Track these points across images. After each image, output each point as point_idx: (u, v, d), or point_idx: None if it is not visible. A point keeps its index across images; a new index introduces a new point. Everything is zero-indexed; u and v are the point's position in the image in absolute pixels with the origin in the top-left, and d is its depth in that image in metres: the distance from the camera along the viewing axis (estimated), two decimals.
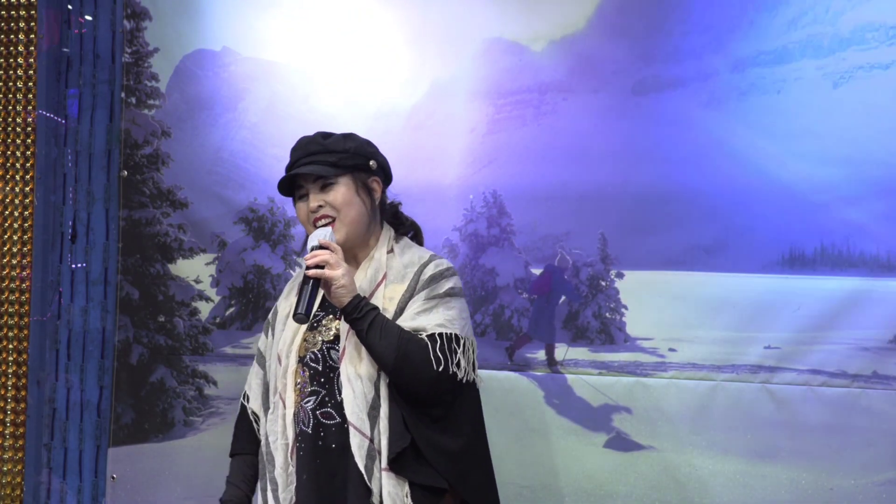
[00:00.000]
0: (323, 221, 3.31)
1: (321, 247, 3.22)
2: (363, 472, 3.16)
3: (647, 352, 4.89)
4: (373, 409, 3.19)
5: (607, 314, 4.98)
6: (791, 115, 4.77)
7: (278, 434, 3.33)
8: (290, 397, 3.31)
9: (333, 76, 5.39)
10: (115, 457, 5.56)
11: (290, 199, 5.35)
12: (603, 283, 4.99)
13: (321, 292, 3.24)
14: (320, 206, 3.32)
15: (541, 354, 5.04)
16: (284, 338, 3.38)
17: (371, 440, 3.17)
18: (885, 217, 4.61)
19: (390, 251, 3.39)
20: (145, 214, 5.56)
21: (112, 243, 5.60)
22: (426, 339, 3.19)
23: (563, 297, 5.04)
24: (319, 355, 3.30)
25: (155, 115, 5.58)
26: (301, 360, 3.32)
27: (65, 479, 5.61)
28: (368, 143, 3.43)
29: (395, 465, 3.17)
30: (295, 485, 3.29)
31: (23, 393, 5.58)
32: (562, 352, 5.01)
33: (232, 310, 5.53)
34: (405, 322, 3.23)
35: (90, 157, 5.60)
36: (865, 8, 4.69)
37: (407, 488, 3.18)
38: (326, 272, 3.17)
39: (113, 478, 5.54)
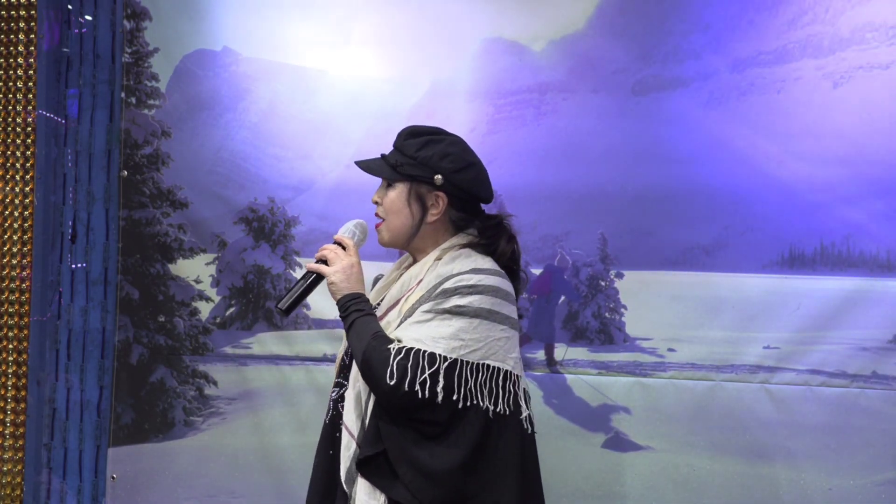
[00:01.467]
0: (376, 220, 3.27)
1: (338, 241, 3.22)
2: (342, 473, 3.12)
3: (646, 352, 4.89)
4: (364, 412, 3.15)
5: (607, 314, 4.98)
6: (791, 115, 4.77)
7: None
8: (332, 382, 3.34)
9: (333, 76, 5.39)
10: (115, 457, 5.56)
11: (289, 200, 5.43)
12: (602, 283, 4.99)
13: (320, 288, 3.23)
14: (377, 203, 3.28)
15: (540, 354, 5.03)
16: None
17: (359, 444, 3.13)
18: (885, 217, 4.61)
19: (438, 258, 3.24)
20: (145, 214, 5.56)
21: (112, 243, 5.60)
22: (392, 350, 3.04)
23: (563, 297, 5.04)
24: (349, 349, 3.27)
25: (155, 115, 5.58)
26: (345, 350, 3.31)
27: (65, 479, 5.61)
28: (447, 157, 3.23)
29: (367, 472, 3.07)
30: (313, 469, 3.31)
31: (23, 393, 5.58)
32: (561, 352, 5.01)
33: (232, 310, 5.53)
34: (397, 330, 3.11)
35: (90, 157, 5.61)
36: (865, 8, 4.69)
37: (383, 500, 3.06)
38: (322, 268, 3.17)
39: (113, 478, 5.54)
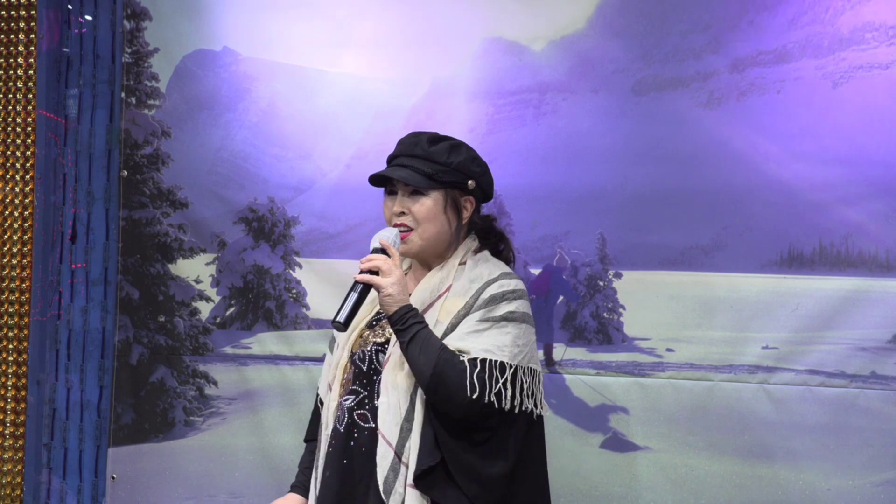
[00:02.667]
0: (401, 230, 3.20)
1: (382, 248, 3.13)
2: (381, 483, 3.09)
3: (644, 352, 4.89)
4: (406, 421, 3.09)
5: (605, 314, 4.98)
6: (791, 115, 4.76)
7: (325, 424, 3.29)
8: (336, 391, 3.25)
9: (333, 76, 5.39)
10: (115, 457, 5.56)
11: (289, 200, 5.43)
12: (601, 283, 4.99)
13: (372, 298, 3.16)
14: (403, 213, 3.20)
15: (539, 354, 5.01)
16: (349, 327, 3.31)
17: (398, 454, 3.11)
18: (884, 217, 4.61)
19: (462, 263, 3.24)
20: (145, 214, 5.56)
21: (112, 243, 5.60)
22: (467, 362, 3.03)
23: (562, 297, 5.04)
24: (367, 356, 3.20)
25: (155, 115, 5.58)
26: (352, 356, 3.25)
27: (65, 479, 5.61)
28: (474, 161, 3.26)
29: (422, 484, 3.05)
30: (321, 479, 3.27)
31: (23, 393, 5.58)
32: (560, 352, 5.01)
33: (232, 310, 5.53)
34: (453, 340, 3.08)
35: (90, 157, 5.61)
36: (865, 8, 4.69)
37: None
38: (375, 280, 3.06)
39: (113, 478, 5.54)
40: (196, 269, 5.55)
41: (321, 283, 5.39)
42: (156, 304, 5.57)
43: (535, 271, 5.06)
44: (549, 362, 5.01)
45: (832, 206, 4.67)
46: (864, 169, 4.64)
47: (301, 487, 3.42)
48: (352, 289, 3.10)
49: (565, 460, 4.92)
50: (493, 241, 3.33)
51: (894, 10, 4.66)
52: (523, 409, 3.10)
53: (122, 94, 5.56)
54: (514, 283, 3.17)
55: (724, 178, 4.82)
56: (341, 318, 3.06)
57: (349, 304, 3.08)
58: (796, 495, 4.65)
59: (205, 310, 5.54)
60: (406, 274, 3.30)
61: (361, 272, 3.09)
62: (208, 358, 5.52)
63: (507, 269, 3.24)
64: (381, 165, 3.30)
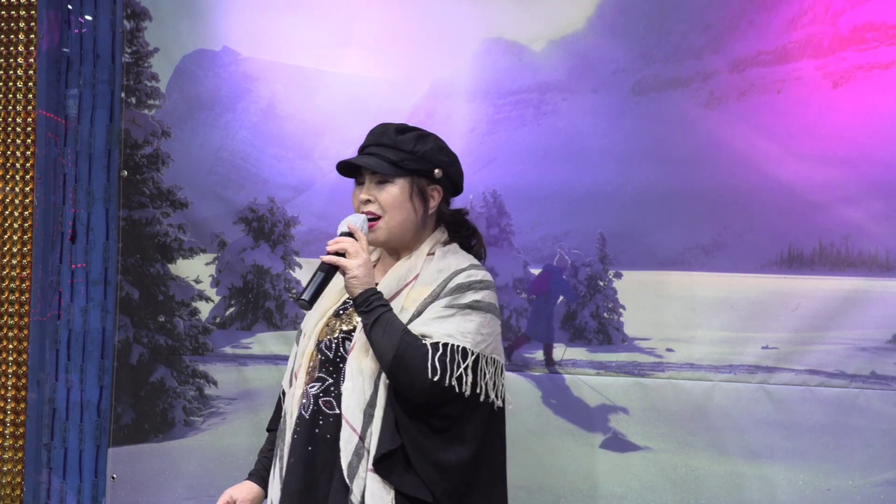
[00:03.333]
0: (368, 218, 3.22)
1: (349, 233, 3.16)
2: (345, 468, 3.13)
3: (644, 352, 4.89)
4: (369, 406, 3.13)
5: (605, 314, 4.98)
6: (791, 115, 4.76)
7: (289, 413, 3.31)
8: (301, 378, 3.28)
9: (333, 76, 5.39)
10: (115, 457, 5.56)
11: (289, 200, 5.43)
12: (601, 283, 4.99)
13: (338, 281, 3.19)
14: (369, 201, 3.23)
15: (539, 354, 5.03)
16: (313, 317, 3.34)
17: (361, 438, 3.14)
18: (884, 217, 4.61)
19: (430, 253, 3.28)
20: (145, 214, 5.56)
21: (112, 243, 5.60)
22: (429, 345, 3.07)
23: (562, 297, 5.04)
24: (333, 343, 3.23)
25: (155, 115, 5.58)
26: (318, 344, 3.28)
27: (65, 479, 5.61)
28: (441, 150, 3.30)
29: (382, 468, 3.08)
30: (286, 467, 3.29)
31: (23, 393, 5.59)
32: (560, 352, 5.01)
33: (232, 310, 5.54)
34: (417, 326, 3.12)
35: (90, 157, 5.61)
36: (865, 8, 4.69)
37: (393, 494, 3.08)
38: (341, 261, 3.09)
39: (113, 478, 5.54)
40: (196, 269, 5.56)
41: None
42: (156, 304, 5.57)
43: (535, 271, 5.07)
44: (549, 362, 5.01)
45: (832, 206, 4.67)
46: (864, 169, 4.64)
47: (257, 476, 3.46)
48: (318, 269, 3.13)
49: (565, 460, 4.92)
50: (465, 235, 3.37)
51: (894, 10, 4.66)
52: (485, 398, 3.13)
53: (122, 94, 5.57)
54: (482, 274, 3.21)
55: (724, 178, 4.82)
56: (306, 296, 3.10)
57: (314, 284, 3.11)
58: (796, 495, 4.65)
59: (205, 310, 5.54)
60: (375, 265, 3.33)
61: (328, 253, 3.12)
62: (208, 358, 5.52)
63: (475, 261, 3.28)
64: None
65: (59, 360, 5.63)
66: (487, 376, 3.14)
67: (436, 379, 3.04)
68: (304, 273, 5.43)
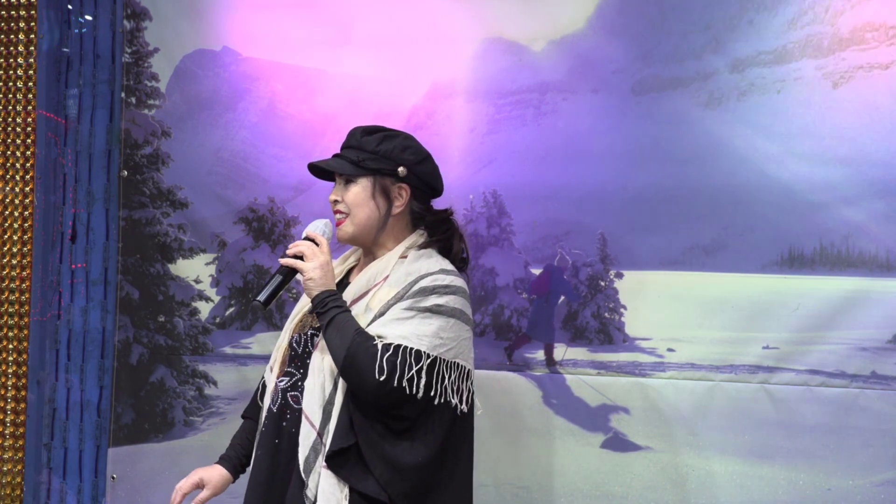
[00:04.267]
0: (338, 216, 3.33)
1: (310, 238, 3.25)
2: (301, 462, 3.16)
3: (645, 352, 4.89)
4: (328, 403, 3.17)
5: (606, 314, 4.98)
6: (791, 115, 4.76)
7: (264, 406, 3.39)
8: (275, 372, 3.36)
9: (333, 76, 5.39)
10: (115, 457, 5.56)
11: (289, 200, 5.42)
12: (602, 283, 4.99)
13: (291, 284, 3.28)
14: (337, 201, 3.34)
15: (539, 354, 5.03)
16: (293, 312, 3.43)
17: (319, 434, 3.16)
18: (885, 217, 4.61)
19: (403, 256, 3.33)
20: (145, 214, 5.56)
21: (112, 243, 5.60)
22: (380, 346, 3.10)
23: (563, 297, 5.04)
24: (303, 339, 3.31)
25: (155, 115, 5.58)
26: (290, 340, 3.35)
27: (65, 479, 5.61)
28: (407, 149, 3.36)
29: (334, 465, 3.11)
30: (254, 458, 3.35)
31: (23, 393, 5.58)
32: (560, 352, 5.01)
33: (232, 310, 5.54)
34: (375, 327, 3.16)
35: (90, 157, 5.61)
36: (865, 8, 4.69)
37: (346, 492, 3.12)
38: (298, 263, 3.19)
39: (113, 478, 5.55)
40: (196, 269, 5.56)
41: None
42: (156, 304, 5.57)
43: (536, 271, 5.07)
44: (549, 362, 5.01)
45: (832, 206, 4.67)
46: (864, 169, 4.64)
47: (227, 461, 3.53)
48: (276, 272, 3.22)
49: (566, 460, 4.93)
50: (445, 236, 3.41)
51: (894, 10, 4.66)
52: (444, 402, 3.17)
53: (122, 94, 5.57)
54: (450, 279, 3.25)
55: (724, 178, 4.82)
56: (261, 297, 3.18)
57: (271, 286, 3.20)
58: (797, 495, 4.65)
59: (204, 310, 5.55)
60: (354, 267, 3.44)
61: (286, 256, 3.22)
62: (208, 358, 5.52)
63: (449, 266, 3.31)
64: None
65: (59, 360, 5.63)
66: (447, 381, 3.17)
67: (382, 379, 3.07)
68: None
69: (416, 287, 3.21)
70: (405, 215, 3.39)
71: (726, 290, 4.82)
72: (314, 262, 3.20)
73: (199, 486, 3.50)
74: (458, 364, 3.21)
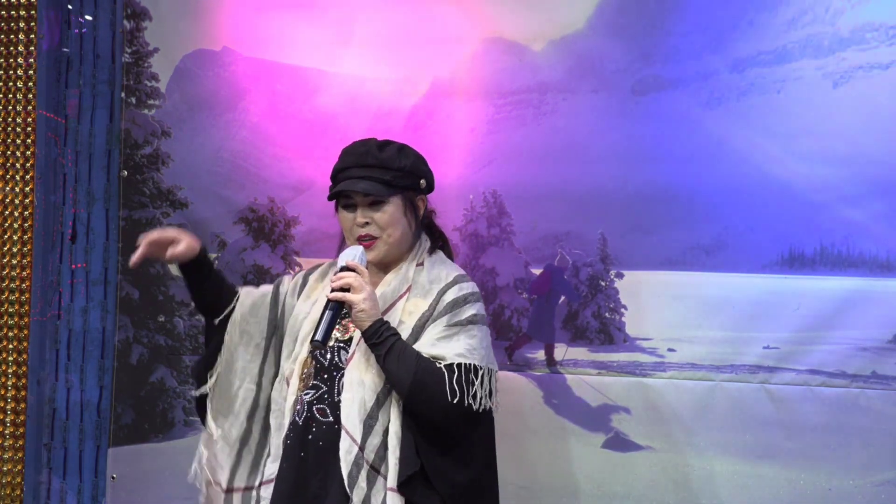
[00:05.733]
0: (365, 240, 3.30)
1: (348, 268, 3.22)
2: (345, 477, 3.16)
3: (646, 352, 4.89)
4: (370, 418, 3.19)
5: (606, 314, 4.98)
6: (791, 115, 4.77)
7: (282, 413, 3.37)
8: (294, 384, 3.34)
9: (333, 76, 5.39)
10: (115, 457, 5.56)
11: (289, 200, 5.42)
12: (602, 283, 4.99)
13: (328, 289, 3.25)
14: (367, 223, 3.30)
15: (540, 354, 5.03)
16: (306, 321, 3.40)
17: (361, 448, 3.17)
18: (885, 217, 4.61)
19: (420, 264, 3.36)
20: (145, 214, 5.56)
21: (112, 243, 5.60)
22: (444, 368, 3.15)
23: (563, 297, 5.04)
24: (329, 351, 3.30)
25: (155, 115, 5.58)
26: (312, 352, 3.33)
27: (65, 479, 5.61)
28: (421, 160, 3.40)
29: (406, 489, 3.16)
30: (277, 471, 3.33)
31: (23, 393, 5.58)
32: (561, 352, 5.01)
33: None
34: (424, 348, 3.19)
35: (90, 157, 5.60)
36: (865, 8, 4.69)
37: None
38: (348, 296, 3.16)
39: (113, 478, 5.54)
40: None
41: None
42: (156, 304, 5.57)
43: (537, 271, 5.07)
44: (550, 362, 5.01)
45: (832, 206, 4.68)
46: (864, 169, 4.65)
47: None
48: (326, 307, 3.19)
49: (567, 460, 4.93)
50: (436, 238, 3.48)
51: (894, 10, 4.66)
52: (486, 408, 3.23)
53: (122, 94, 5.56)
54: (471, 286, 3.31)
55: (724, 178, 4.82)
56: (318, 336, 3.15)
57: (325, 323, 3.17)
58: (797, 495, 4.65)
59: None
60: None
61: (333, 290, 3.17)
62: None
63: (461, 270, 3.37)
64: None
65: (59, 360, 5.62)
66: (490, 387, 3.24)
67: (455, 401, 3.13)
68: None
69: (445, 301, 3.25)
70: (420, 225, 3.43)
71: (726, 290, 4.82)
72: (363, 294, 3.16)
73: (172, 240, 3.53)
74: (490, 369, 3.26)
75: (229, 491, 3.50)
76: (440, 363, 3.17)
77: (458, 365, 3.16)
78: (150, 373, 5.56)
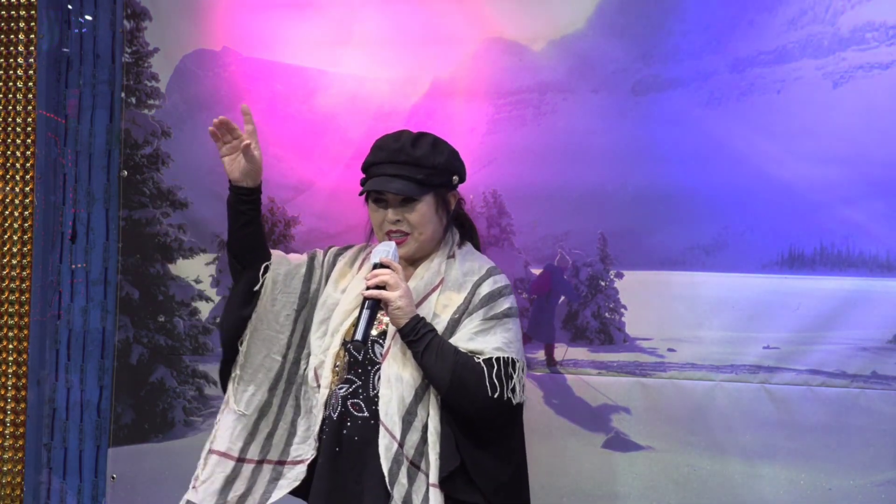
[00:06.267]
0: (395, 236, 3.30)
1: (382, 265, 3.21)
2: (386, 475, 3.15)
3: (646, 352, 4.89)
4: (409, 414, 3.18)
5: (606, 314, 4.98)
6: (791, 115, 4.76)
7: (318, 407, 3.36)
8: (327, 377, 3.32)
9: (333, 76, 5.39)
10: (115, 457, 5.56)
11: (289, 200, 5.42)
12: (602, 283, 4.99)
13: (359, 283, 3.27)
14: (398, 220, 3.30)
15: (540, 354, 5.03)
16: (337, 312, 3.37)
17: (400, 444, 3.16)
18: (885, 217, 4.61)
19: (451, 256, 3.36)
20: (145, 214, 5.56)
21: (112, 243, 5.60)
22: (483, 363, 3.16)
23: (563, 297, 5.04)
24: (363, 346, 3.29)
25: (155, 115, 5.58)
26: (344, 344, 3.31)
27: (65, 479, 5.61)
28: (454, 154, 3.39)
29: (447, 485, 3.17)
30: (307, 463, 3.34)
31: (23, 393, 5.58)
32: (561, 352, 5.01)
33: None
34: (462, 342, 3.20)
35: (90, 157, 5.61)
36: (865, 8, 4.69)
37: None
38: (384, 293, 3.16)
39: (113, 478, 5.54)
40: (196, 269, 5.55)
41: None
42: (156, 304, 5.57)
43: (536, 271, 5.06)
44: (550, 362, 5.01)
45: (832, 206, 4.67)
46: (864, 169, 4.64)
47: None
48: (363, 306, 3.18)
49: (567, 460, 4.92)
50: (467, 229, 3.48)
51: (894, 10, 4.66)
52: (519, 403, 3.26)
53: (122, 94, 5.56)
54: (503, 279, 3.32)
55: (724, 178, 4.82)
56: (358, 336, 3.15)
57: (364, 322, 3.16)
58: (797, 495, 4.65)
59: (205, 310, 5.54)
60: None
61: (368, 288, 3.16)
62: (208, 358, 5.52)
63: (491, 262, 3.38)
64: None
65: (59, 360, 5.63)
66: (523, 379, 3.27)
67: (495, 395, 3.15)
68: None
69: (480, 295, 3.26)
70: (451, 221, 3.43)
71: (727, 290, 4.81)
72: (399, 291, 3.16)
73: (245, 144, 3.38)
74: (524, 362, 3.29)
75: (240, 461, 3.44)
76: (478, 358, 3.17)
77: (497, 359, 3.17)
78: (150, 373, 5.56)
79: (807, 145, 4.72)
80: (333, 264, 3.49)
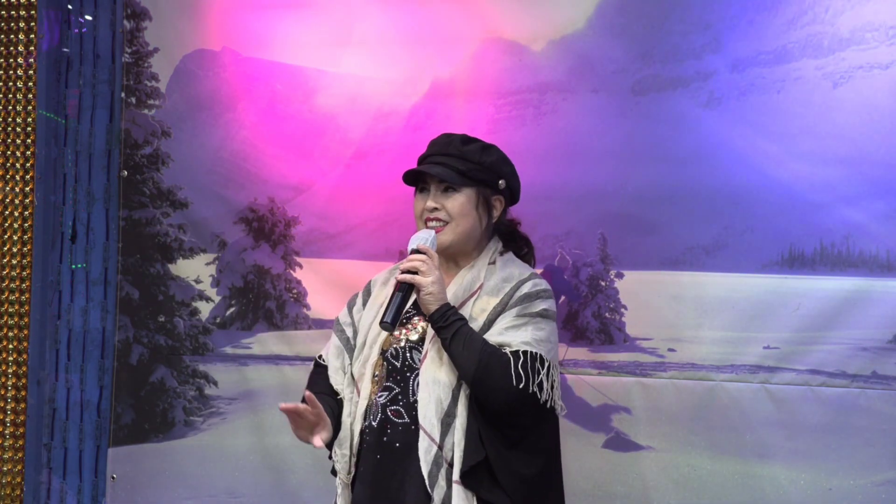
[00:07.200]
0: (433, 224, 3.31)
1: (419, 251, 3.22)
2: (426, 477, 3.15)
3: (646, 352, 4.89)
4: (447, 416, 3.18)
5: (607, 314, 4.98)
6: (791, 115, 4.76)
7: (354, 419, 3.34)
8: (366, 388, 3.32)
9: (333, 76, 5.39)
10: (115, 457, 5.56)
11: (289, 200, 5.42)
12: (602, 283, 4.99)
13: (412, 298, 3.25)
14: (436, 209, 3.31)
15: None
16: (373, 327, 3.37)
17: (440, 447, 3.16)
18: (885, 217, 4.61)
19: (492, 263, 3.37)
20: (145, 214, 5.56)
21: (112, 243, 5.60)
22: (509, 354, 3.16)
23: (563, 297, 5.04)
24: (401, 353, 3.29)
25: (155, 115, 5.58)
26: (383, 353, 3.32)
27: (65, 479, 5.61)
28: (505, 162, 3.41)
29: (468, 480, 3.15)
30: (353, 473, 3.32)
31: (23, 393, 5.58)
32: (561, 352, 5.00)
33: (232, 310, 5.53)
34: (492, 336, 3.20)
35: (90, 157, 5.61)
36: (865, 8, 4.69)
37: (475, 502, 3.16)
38: (416, 278, 3.17)
39: (113, 478, 5.54)
40: (196, 269, 5.56)
41: (321, 283, 5.39)
42: (156, 304, 5.57)
43: (537, 271, 5.06)
44: None
45: (832, 206, 4.67)
46: (864, 169, 4.64)
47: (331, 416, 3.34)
48: (395, 290, 3.19)
49: (567, 460, 4.82)
50: (519, 244, 3.50)
51: (894, 10, 4.66)
52: (551, 404, 3.24)
53: (122, 94, 5.56)
54: (545, 284, 3.33)
55: (724, 178, 4.82)
56: (388, 318, 3.16)
57: (394, 305, 3.18)
58: (797, 495, 4.66)
59: (205, 310, 5.54)
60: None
61: (402, 272, 3.18)
62: (208, 358, 5.52)
63: (534, 270, 3.41)
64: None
65: (59, 360, 5.63)
66: (555, 384, 3.25)
67: (521, 386, 3.13)
68: (304, 273, 5.43)
69: (519, 294, 3.26)
70: (491, 226, 3.43)
71: (727, 290, 4.82)
72: (431, 277, 3.17)
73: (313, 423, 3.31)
74: (555, 365, 3.27)
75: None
76: (506, 349, 3.17)
77: (524, 352, 3.16)
78: (150, 373, 5.56)
79: (807, 145, 4.72)
80: (369, 293, 3.50)
